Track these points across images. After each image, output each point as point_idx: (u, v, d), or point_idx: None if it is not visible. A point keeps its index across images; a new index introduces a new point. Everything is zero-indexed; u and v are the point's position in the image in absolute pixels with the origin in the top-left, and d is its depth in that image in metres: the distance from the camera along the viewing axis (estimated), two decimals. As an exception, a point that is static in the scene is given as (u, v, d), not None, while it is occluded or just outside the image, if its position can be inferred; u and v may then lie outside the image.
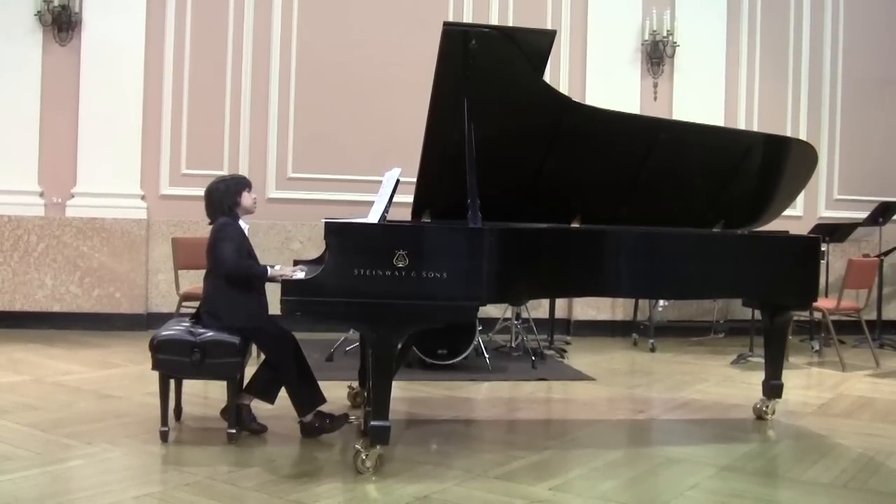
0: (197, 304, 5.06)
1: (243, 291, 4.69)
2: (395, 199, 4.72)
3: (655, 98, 9.14)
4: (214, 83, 8.55)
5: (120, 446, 4.51)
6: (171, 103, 8.50)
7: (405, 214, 5.32)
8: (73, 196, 8.32)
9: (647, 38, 9.09)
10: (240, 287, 4.67)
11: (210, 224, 4.81)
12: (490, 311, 7.86)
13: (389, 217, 4.77)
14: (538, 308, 8.35)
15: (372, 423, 4.20)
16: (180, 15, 8.49)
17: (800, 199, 8.58)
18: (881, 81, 9.73)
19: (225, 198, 4.77)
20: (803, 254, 5.31)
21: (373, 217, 4.55)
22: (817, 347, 8.20)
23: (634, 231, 4.93)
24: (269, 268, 4.61)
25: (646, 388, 6.64)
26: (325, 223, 4.27)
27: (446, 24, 4.43)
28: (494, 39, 4.48)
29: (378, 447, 4.21)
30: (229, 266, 4.61)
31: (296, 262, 5.27)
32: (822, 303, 7.37)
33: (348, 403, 5.51)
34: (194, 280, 6.98)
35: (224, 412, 4.76)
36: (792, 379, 6.62)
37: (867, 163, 9.72)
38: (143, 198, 8.46)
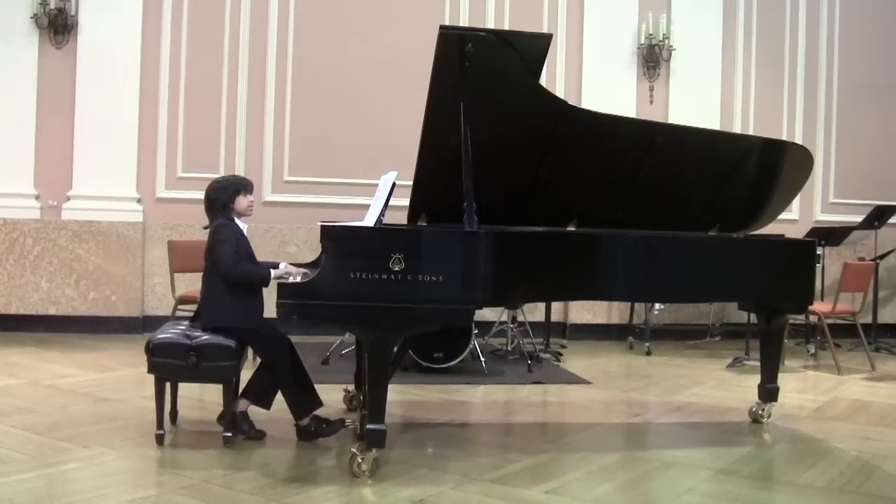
0: (192, 307, 5.06)
1: (240, 293, 4.68)
2: (391, 203, 4.72)
3: (651, 101, 9.16)
4: (211, 86, 8.55)
5: (116, 450, 4.51)
6: (168, 106, 8.50)
7: (401, 218, 5.32)
8: (69, 199, 8.31)
9: (643, 41, 9.10)
10: (237, 289, 4.67)
11: (206, 227, 4.80)
12: (486, 314, 7.87)
13: (386, 220, 4.77)
14: (534, 311, 8.36)
15: (368, 426, 4.20)
16: (176, 18, 8.50)
17: (796, 202, 8.58)
18: (877, 85, 9.75)
19: (219, 197, 4.76)
20: (799, 257, 5.32)
21: (369, 220, 4.55)
22: (813, 351, 8.21)
23: (631, 235, 4.93)
24: (272, 270, 4.61)
25: (642, 391, 6.64)
26: (322, 226, 4.27)
27: (442, 28, 4.44)
28: (491, 43, 4.49)
29: (374, 451, 4.21)
30: (229, 271, 4.60)
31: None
32: (818, 306, 7.38)
33: (344, 407, 5.51)
34: (190, 283, 6.98)
35: (220, 418, 4.75)
36: (788, 382, 6.64)
37: (863, 166, 9.75)
38: (139, 201, 8.45)
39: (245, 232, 4.83)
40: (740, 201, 5.57)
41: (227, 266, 4.60)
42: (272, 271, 4.60)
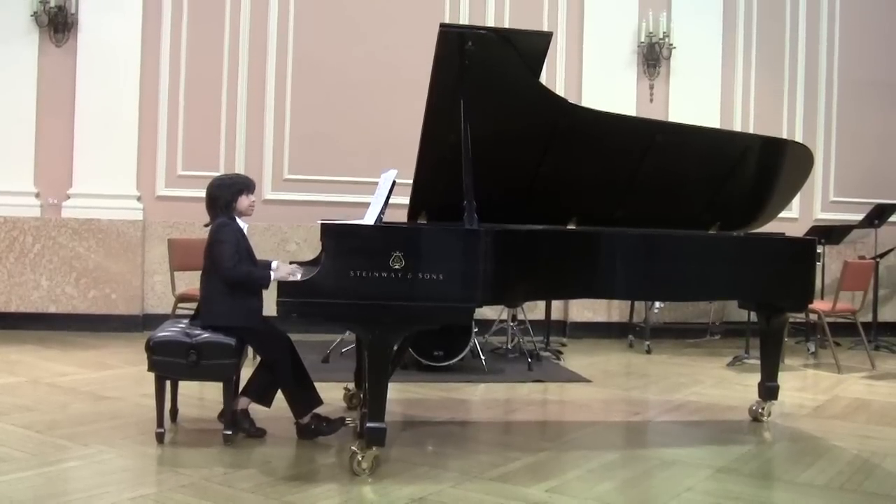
0: (192, 305, 5.06)
1: (240, 293, 4.68)
2: (391, 201, 4.72)
3: (651, 100, 9.15)
4: (211, 84, 8.54)
5: (116, 448, 4.51)
6: (168, 104, 8.49)
7: (401, 216, 5.32)
8: (69, 197, 8.31)
9: (643, 39, 9.10)
10: (237, 288, 4.67)
11: (207, 225, 4.80)
12: (486, 312, 7.86)
13: (386, 218, 4.77)
14: (534, 310, 8.36)
15: (368, 424, 4.20)
16: (176, 16, 8.49)
17: (796, 200, 8.58)
18: (877, 83, 9.74)
19: (222, 195, 4.76)
20: (799, 255, 5.32)
21: (369, 218, 4.55)
22: (813, 349, 8.20)
23: (631, 233, 4.93)
24: (271, 272, 4.60)
25: (642, 389, 6.64)
26: (322, 224, 4.26)
27: (443, 26, 4.43)
28: (491, 41, 4.48)
29: (374, 449, 4.21)
30: (228, 272, 4.60)
31: (291, 263, 5.25)
32: (818, 305, 7.38)
33: (344, 405, 5.51)
34: (190, 281, 6.98)
35: (221, 415, 4.75)
36: (788, 381, 6.65)
37: (863, 165, 9.74)
38: (139, 199, 8.45)
39: (245, 231, 4.83)
40: (740, 200, 5.56)
41: (227, 267, 4.60)
42: (272, 273, 4.59)
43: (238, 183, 4.85)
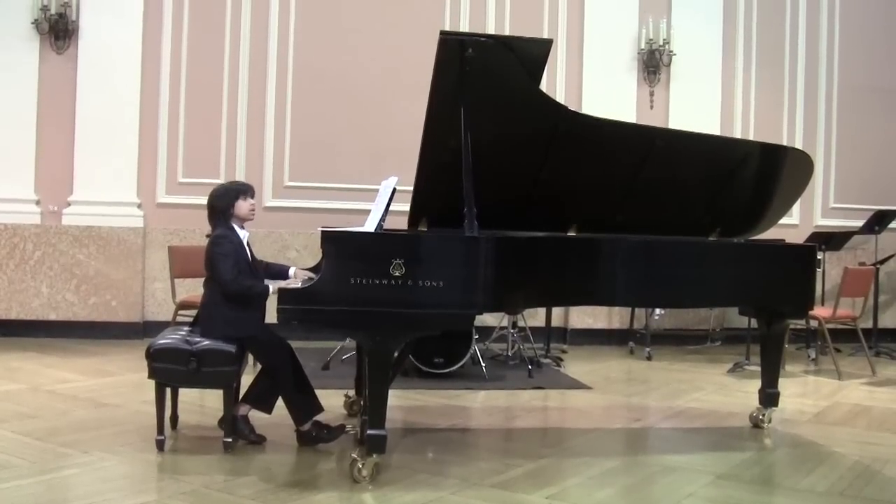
0: (193, 311, 5.06)
1: (240, 304, 4.68)
2: (391, 208, 4.73)
3: (652, 106, 9.16)
4: (211, 91, 8.55)
5: (116, 455, 4.51)
6: (168, 111, 8.50)
7: (402, 223, 5.32)
8: (69, 204, 8.31)
9: (643, 46, 9.11)
10: (237, 300, 4.67)
11: (208, 236, 4.79)
12: (486, 319, 7.87)
13: (386, 226, 4.77)
14: (535, 316, 8.36)
15: (368, 431, 4.20)
16: (177, 23, 8.51)
17: (796, 207, 8.59)
18: (877, 89, 9.75)
19: (219, 203, 4.76)
20: (799, 262, 5.33)
21: (369, 226, 4.55)
22: (813, 356, 8.20)
23: (631, 240, 4.93)
24: (270, 285, 4.59)
25: (642, 396, 6.64)
26: (322, 232, 4.27)
27: (443, 33, 4.44)
28: (491, 48, 4.50)
29: (374, 456, 4.21)
30: (228, 286, 4.61)
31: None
32: (819, 311, 7.38)
33: (345, 412, 5.51)
34: (191, 288, 6.99)
35: (221, 422, 4.75)
36: (788, 387, 6.64)
37: (863, 171, 9.74)
38: (139, 206, 8.45)
39: (246, 240, 4.82)
40: (740, 206, 5.57)
41: (226, 281, 4.61)
42: (270, 286, 4.59)
43: (233, 188, 4.85)
